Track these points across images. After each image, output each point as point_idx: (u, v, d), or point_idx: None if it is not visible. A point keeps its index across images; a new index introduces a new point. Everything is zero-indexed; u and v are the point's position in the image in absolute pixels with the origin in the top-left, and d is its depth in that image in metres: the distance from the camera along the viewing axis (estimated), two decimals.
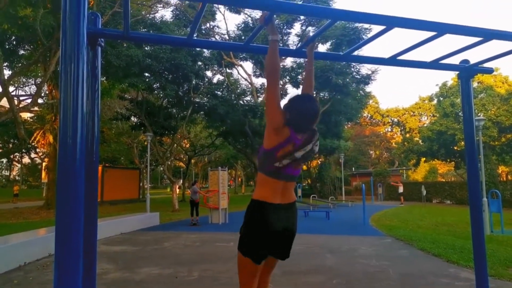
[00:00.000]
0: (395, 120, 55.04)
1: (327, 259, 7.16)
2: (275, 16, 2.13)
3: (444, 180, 41.92)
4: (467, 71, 2.97)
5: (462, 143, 27.65)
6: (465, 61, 2.95)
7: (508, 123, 25.60)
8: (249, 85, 26.42)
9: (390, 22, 2.08)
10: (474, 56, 2.89)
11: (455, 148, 29.64)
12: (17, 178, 55.75)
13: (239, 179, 60.66)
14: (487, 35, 2.26)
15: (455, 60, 2.94)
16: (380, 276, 5.80)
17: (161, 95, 21.71)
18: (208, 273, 5.98)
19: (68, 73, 1.60)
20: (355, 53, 2.82)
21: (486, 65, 2.95)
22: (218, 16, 22.07)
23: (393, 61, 2.75)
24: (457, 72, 3.07)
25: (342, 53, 2.79)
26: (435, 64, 2.85)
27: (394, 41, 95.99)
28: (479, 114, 25.16)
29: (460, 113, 27.92)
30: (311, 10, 2.46)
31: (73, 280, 1.52)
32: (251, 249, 2.17)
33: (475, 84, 28.99)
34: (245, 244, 2.19)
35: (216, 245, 8.82)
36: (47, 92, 21.65)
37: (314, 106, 2.27)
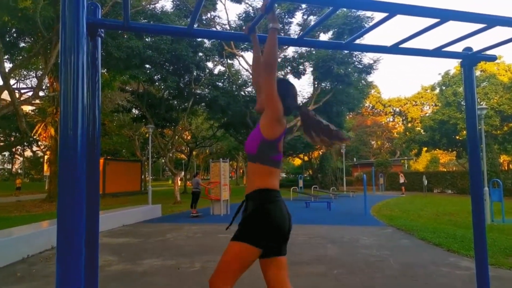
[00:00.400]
0: (397, 109, 54.91)
1: (329, 249, 7.19)
2: (276, 5, 2.10)
3: (445, 170, 41.89)
4: (470, 59, 2.95)
5: (464, 132, 27.57)
6: (468, 49, 2.92)
7: (511, 111, 25.49)
8: (250, 76, 26.26)
9: (392, 9, 2.06)
10: (476, 44, 2.87)
11: (457, 137, 29.58)
12: (19, 171, 55.96)
13: (241, 171, 60.74)
14: (490, 21, 2.23)
15: (458, 47, 2.91)
16: (381, 266, 5.83)
17: (162, 87, 21.64)
18: (210, 264, 6.01)
19: (68, 64, 1.59)
20: (357, 41, 2.80)
21: (489, 52, 2.92)
22: (219, 6, 21.99)
23: (395, 49, 2.72)
24: (459, 60, 3.04)
25: (344, 42, 2.77)
26: (438, 52, 2.83)
27: (396, 30, 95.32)
28: (482, 102, 25.07)
29: (462, 102, 27.81)
30: None
31: (75, 272, 1.52)
32: (269, 240, 2.06)
33: (477, 73, 28.83)
34: (259, 235, 2.05)
35: (218, 237, 8.86)
36: (48, 85, 21.61)
37: (293, 86, 2.38)
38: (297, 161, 52.30)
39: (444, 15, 2.14)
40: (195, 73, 20.18)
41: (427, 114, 41.70)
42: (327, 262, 6.13)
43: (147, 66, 18.81)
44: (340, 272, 5.45)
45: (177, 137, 25.11)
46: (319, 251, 6.95)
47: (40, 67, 21.32)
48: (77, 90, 1.59)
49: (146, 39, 17.76)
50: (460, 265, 5.82)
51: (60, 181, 1.57)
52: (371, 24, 2.42)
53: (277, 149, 2.18)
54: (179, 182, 22.54)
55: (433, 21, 2.26)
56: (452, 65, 33.59)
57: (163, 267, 5.92)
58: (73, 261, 1.52)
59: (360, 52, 21.61)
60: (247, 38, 2.62)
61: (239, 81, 24.94)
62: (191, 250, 7.26)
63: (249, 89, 26.17)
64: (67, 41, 1.60)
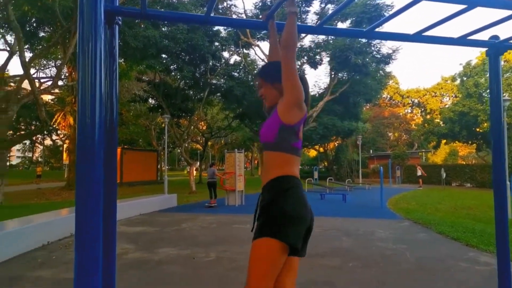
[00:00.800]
0: (416, 101, 53.94)
1: (344, 242, 7.15)
2: None
3: (464, 163, 41.05)
4: (496, 48, 2.83)
5: (485, 124, 26.93)
6: (495, 37, 2.81)
7: None
8: None
9: None
10: (502, 32, 2.75)
11: (478, 129, 28.91)
12: (39, 159, 57.32)
13: (256, 161, 60.85)
14: None
15: (483, 36, 2.80)
16: (397, 259, 5.76)
17: (178, 77, 21.75)
18: (225, 254, 6.05)
19: (86, 52, 1.58)
20: (377, 29, 2.71)
21: None
22: None
23: (418, 37, 2.63)
24: (482, 50, 2.93)
25: (365, 29, 2.69)
26: (463, 40, 2.72)
27: (415, 19, 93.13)
28: (505, 94, 24.34)
29: (484, 94, 27.13)
30: None
31: (93, 260, 1.53)
32: (296, 231, 1.87)
33: (501, 63, 28.07)
34: (287, 226, 1.85)
35: (233, 227, 8.91)
36: (67, 74, 21.96)
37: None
38: (313, 153, 52.07)
39: (471, 1, 2.05)
40: (211, 63, 20.19)
41: (446, 106, 40.85)
42: (342, 254, 6.09)
43: (163, 56, 18.90)
44: (355, 265, 5.41)
45: (192, 127, 25.27)
46: (334, 244, 6.92)
47: (59, 56, 21.65)
48: (94, 78, 1.58)
49: (163, 29, 17.82)
50: (479, 260, 5.69)
51: (78, 169, 1.57)
52: (390, 12, 2.32)
53: (297, 136, 2.10)
54: (194, 172, 22.72)
55: (460, 7, 2.17)
56: (474, 55, 32.79)
57: (178, 256, 5.98)
58: (91, 249, 1.53)
59: (378, 41, 21.20)
60: (265, 26, 2.56)
61: (255, 71, 24.86)
62: (206, 240, 7.32)
63: None
64: (85, 28, 1.59)
